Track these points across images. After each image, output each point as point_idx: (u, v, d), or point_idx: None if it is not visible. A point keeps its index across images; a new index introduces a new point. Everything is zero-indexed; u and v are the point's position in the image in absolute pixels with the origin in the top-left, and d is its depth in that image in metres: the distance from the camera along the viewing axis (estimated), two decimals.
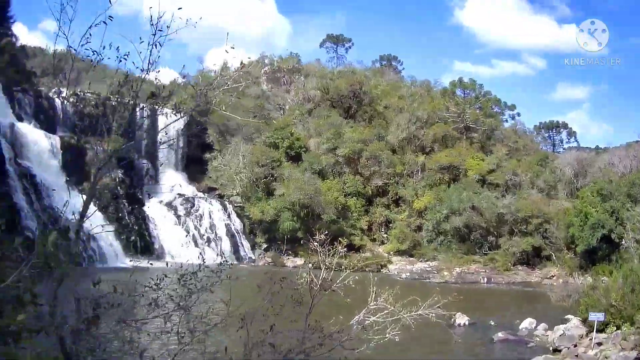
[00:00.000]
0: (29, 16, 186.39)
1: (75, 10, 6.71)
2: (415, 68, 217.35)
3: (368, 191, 57.57)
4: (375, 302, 8.75)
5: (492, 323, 25.91)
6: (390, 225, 56.73)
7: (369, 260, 50.48)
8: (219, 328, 7.69)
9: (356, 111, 65.15)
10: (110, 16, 5.82)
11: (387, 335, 8.27)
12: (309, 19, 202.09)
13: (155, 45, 6.06)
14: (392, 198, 58.11)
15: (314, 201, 50.94)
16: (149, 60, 6.13)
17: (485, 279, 46.84)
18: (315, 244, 8.57)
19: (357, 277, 9.09)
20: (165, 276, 6.82)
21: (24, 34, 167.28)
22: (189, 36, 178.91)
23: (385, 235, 56.57)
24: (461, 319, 25.58)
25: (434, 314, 8.78)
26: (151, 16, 5.90)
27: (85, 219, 6.31)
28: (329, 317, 8.58)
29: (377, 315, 8.54)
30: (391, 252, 54.31)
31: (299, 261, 50.09)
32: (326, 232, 8.82)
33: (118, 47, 6.19)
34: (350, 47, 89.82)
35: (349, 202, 55.49)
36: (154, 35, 6.03)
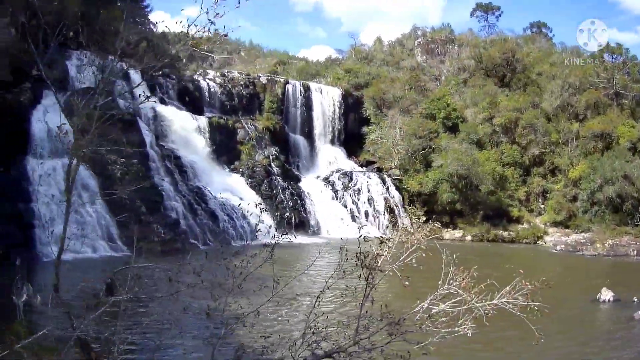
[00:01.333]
0: (171, 3, 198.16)
1: None
2: (563, 35, 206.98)
3: (525, 161, 55.63)
4: (447, 286, 7.76)
5: (635, 300, 23.97)
6: (547, 195, 54.60)
7: (525, 232, 49.66)
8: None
9: (510, 79, 63.03)
10: None
11: (463, 328, 7.40)
12: None
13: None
14: (548, 167, 55.71)
15: (471, 172, 49.84)
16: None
17: (636, 252, 43.55)
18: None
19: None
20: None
21: (166, 20, 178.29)
22: (343, 13, 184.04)
23: (542, 206, 54.48)
24: (606, 295, 23.99)
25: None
26: None
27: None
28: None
29: (447, 303, 7.71)
30: (547, 223, 52.24)
31: (458, 233, 49.60)
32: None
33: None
34: (500, 15, 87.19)
35: (506, 172, 54.06)
36: None
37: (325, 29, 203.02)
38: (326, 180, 53.45)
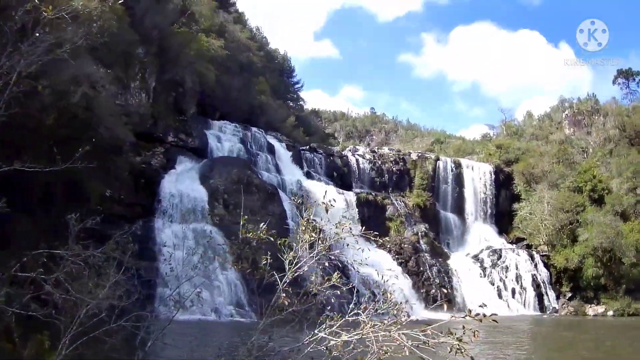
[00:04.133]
0: (331, 83, 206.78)
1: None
2: None
3: None
4: None
5: None
6: None
7: None
8: None
9: None
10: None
11: None
12: (605, 61, 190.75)
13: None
14: None
15: (615, 245, 49.32)
16: None
17: None
18: None
19: None
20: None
21: (324, 99, 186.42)
22: (500, 92, 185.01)
23: None
24: None
25: None
26: None
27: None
28: None
29: None
30: None
31: (600, 309, 49.05)
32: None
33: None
34: None
35: None
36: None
37: (484, 107, 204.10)
38: (475, 257, 53.79)
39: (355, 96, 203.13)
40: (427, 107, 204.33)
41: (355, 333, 7.34)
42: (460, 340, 6.16)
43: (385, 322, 6.99)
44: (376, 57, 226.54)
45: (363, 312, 7.64)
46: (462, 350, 6.15)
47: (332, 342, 7.27)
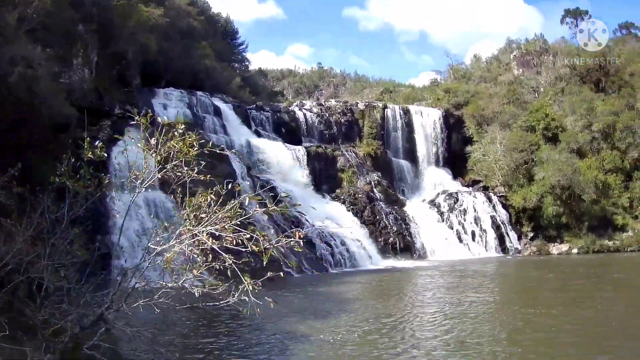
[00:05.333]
0: (277, 43, 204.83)
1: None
2: None
3: (626, 165, 54.11)
4: None
5: None
6: None
7: (629, 240, 48.80)
8: None
9: (605, 83, 61.80)
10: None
11: None
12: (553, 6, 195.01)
13: None
14: None
15: (573, 182, 49.28)
16: None
17: None
18: None
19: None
20: None
21: (271, 59, 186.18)
22: (448, 40, 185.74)
23: None
24: None
25: None
26: None
27: None
28: None
29: None
30: None
31: (564, 247, 49.00)
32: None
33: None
34: (589, 19, 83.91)
35: (608, 179, 52.91)
36: None
37: (433, 56, 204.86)
38: (431, 202, 53.44)
39: (303, 54, 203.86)
40: (376, 60, 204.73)
41: None
42: None
43: None
44: (321, 13, 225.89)
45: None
46: None
47: None
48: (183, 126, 10.05)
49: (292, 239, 8.59)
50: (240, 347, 16.49)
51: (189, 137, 9.97)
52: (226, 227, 9.60)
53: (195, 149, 10.01)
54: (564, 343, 16.18)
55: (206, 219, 9.64)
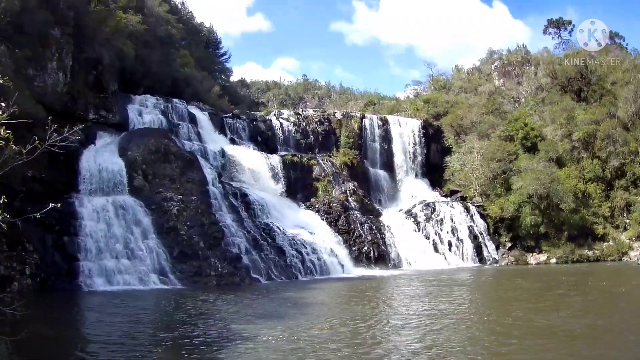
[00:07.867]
0: (264, 56, 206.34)
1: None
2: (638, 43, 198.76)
3: (607, 174, 53.39)
4: None
5: None
6: (631, 208, 52.01)
7: (610, 249, 47.93)
8: None
9: (586, 92, 61.23)
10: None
11: None
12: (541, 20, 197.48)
13: None
14: (630, 179, 53.16)
15: (551, 191, 48.54)
16: None
17: None
18: None
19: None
20: None
21: (257, 71, 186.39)
22: (435, 54, 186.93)
23: (627, 221, 51.89)
24: None
25: None
26: None
27: None
28: None
29: None
30: (632, 238, 49.83)
31: (542, 257, 48.15)
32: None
33: None
34: (572, 30, 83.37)
35: (588, 188, 52.15)
36: None
37: (420, 70, 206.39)
38: (408, 212, 52.49)
39: (290, 67, 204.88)
40: (363, 73, 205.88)
41: None
42: None
43: None
44: (308, 27, 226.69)
45: None
46: None
47: None
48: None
49: None
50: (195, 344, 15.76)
51: None
52: None
53: None
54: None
55: None
